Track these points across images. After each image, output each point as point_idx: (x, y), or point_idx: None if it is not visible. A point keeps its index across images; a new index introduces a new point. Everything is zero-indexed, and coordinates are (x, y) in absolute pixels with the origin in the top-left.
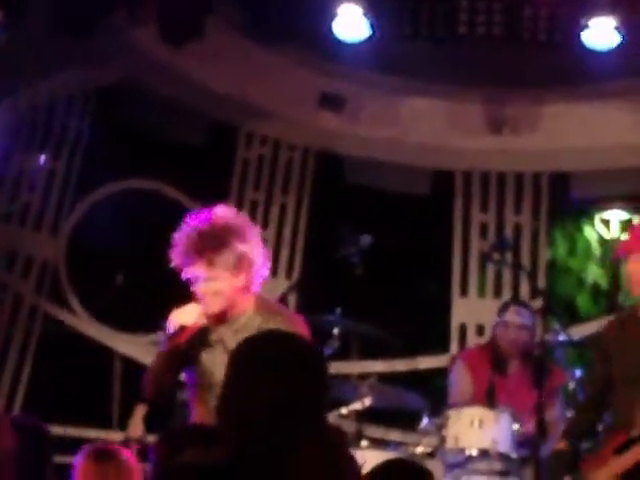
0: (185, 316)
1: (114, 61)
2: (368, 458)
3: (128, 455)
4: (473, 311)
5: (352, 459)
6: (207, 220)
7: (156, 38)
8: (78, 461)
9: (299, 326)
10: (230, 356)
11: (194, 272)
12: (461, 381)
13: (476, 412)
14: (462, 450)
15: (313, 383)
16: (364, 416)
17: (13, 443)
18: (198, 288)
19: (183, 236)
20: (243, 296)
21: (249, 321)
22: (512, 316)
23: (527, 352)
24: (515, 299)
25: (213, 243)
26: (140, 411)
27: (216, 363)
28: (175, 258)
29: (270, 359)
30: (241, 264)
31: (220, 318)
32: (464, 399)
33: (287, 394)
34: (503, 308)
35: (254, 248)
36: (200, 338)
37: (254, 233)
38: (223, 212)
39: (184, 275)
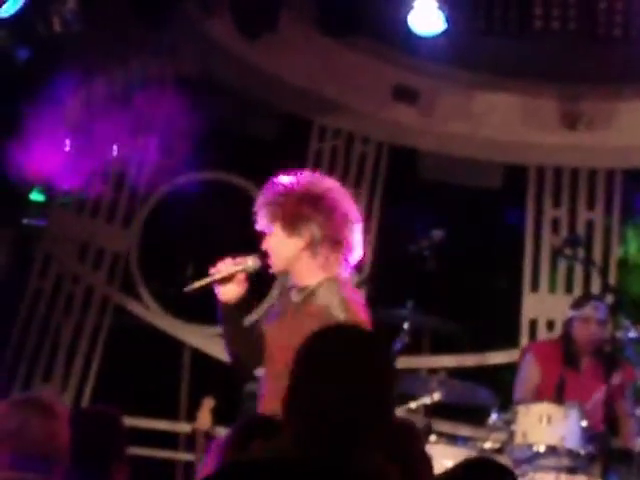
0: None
1: (188, 52)
2: (437, 453)
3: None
4: (544, 306)
5: (422, 453)
6: (291, 179)
7: (230, 30)
8: None
9: (358, 315)
10: (297, 351)
11: (260, 226)
12: (529, 374)
13: (545, 408)
14: (530, 446)
15: (379, 377)
16: (433, 411)
17: (68, 438)
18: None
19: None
20: (309, 268)
21: (309, 298)
22: (592, 311)
23: (599, 348)
24: (591, 294)
25: (277, 198)
26: (208, 403)
27: (275, 339)
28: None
29: (337, 354)
30: (299, 229)
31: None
32: (530, 392)
33: (354, 389)
34: (581, 302)
35: (333, 224)
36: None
37: (343, 212)
38: (313, 178)
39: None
